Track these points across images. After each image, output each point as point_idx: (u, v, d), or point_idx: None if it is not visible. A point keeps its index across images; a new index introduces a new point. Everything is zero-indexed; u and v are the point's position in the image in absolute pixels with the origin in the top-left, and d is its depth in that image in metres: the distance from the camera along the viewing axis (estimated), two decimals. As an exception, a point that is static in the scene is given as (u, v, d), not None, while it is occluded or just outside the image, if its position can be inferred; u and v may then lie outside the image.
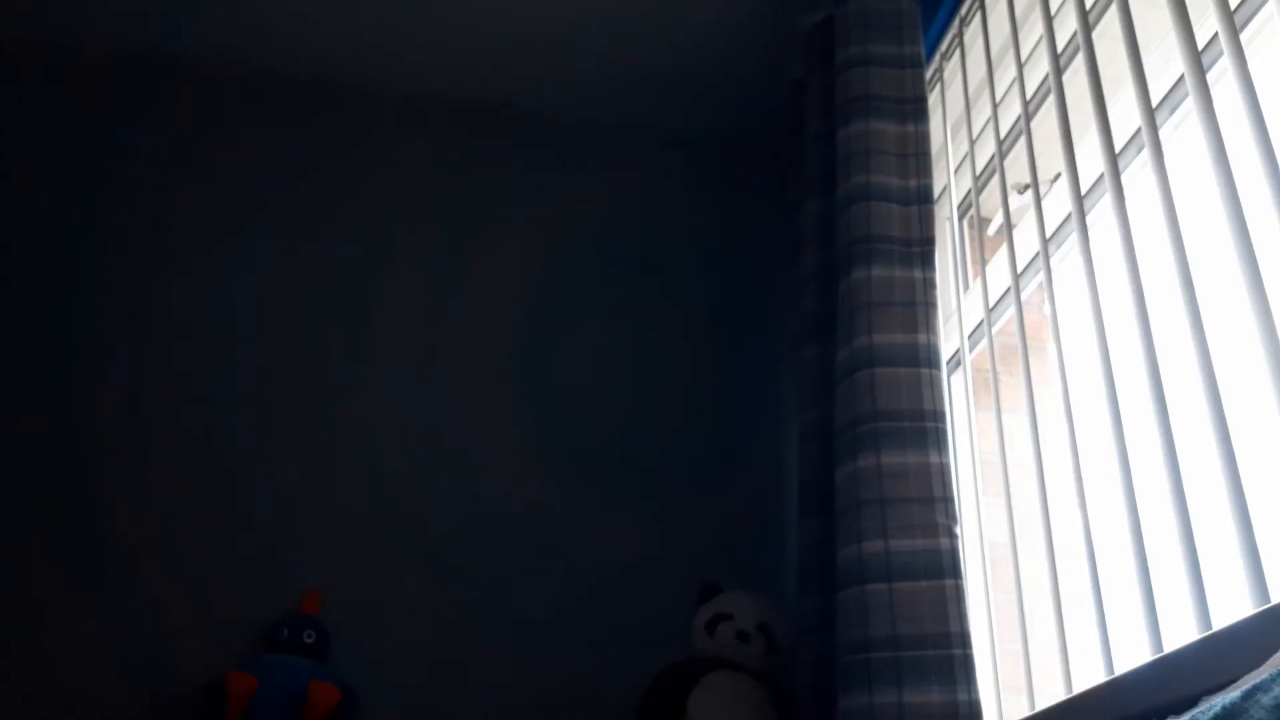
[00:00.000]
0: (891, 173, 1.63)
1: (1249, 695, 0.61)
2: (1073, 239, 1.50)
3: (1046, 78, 1.63)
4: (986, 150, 1.79)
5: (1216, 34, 1.21)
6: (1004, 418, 1.52)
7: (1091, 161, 1.42)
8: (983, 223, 1.73)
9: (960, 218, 1.95)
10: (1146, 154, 1.19)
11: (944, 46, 1.91)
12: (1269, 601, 0.89)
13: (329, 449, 2.14)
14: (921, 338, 1.49)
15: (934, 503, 1.37)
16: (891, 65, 1.73)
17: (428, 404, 2.24)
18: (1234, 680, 0.72)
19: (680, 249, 2.53)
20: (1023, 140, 1.54)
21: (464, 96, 2.57)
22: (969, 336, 1.78)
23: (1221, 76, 1.23)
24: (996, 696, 1.45)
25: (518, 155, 2.57)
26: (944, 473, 1.40)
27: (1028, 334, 1.43)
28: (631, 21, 2.34)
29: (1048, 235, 1.45)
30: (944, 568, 1.33)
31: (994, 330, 1.60)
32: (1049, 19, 1.48)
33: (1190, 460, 1.07)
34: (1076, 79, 1.56)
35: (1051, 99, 1.46)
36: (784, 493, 2.23)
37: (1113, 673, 1.09)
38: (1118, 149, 1.33)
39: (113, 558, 1.96)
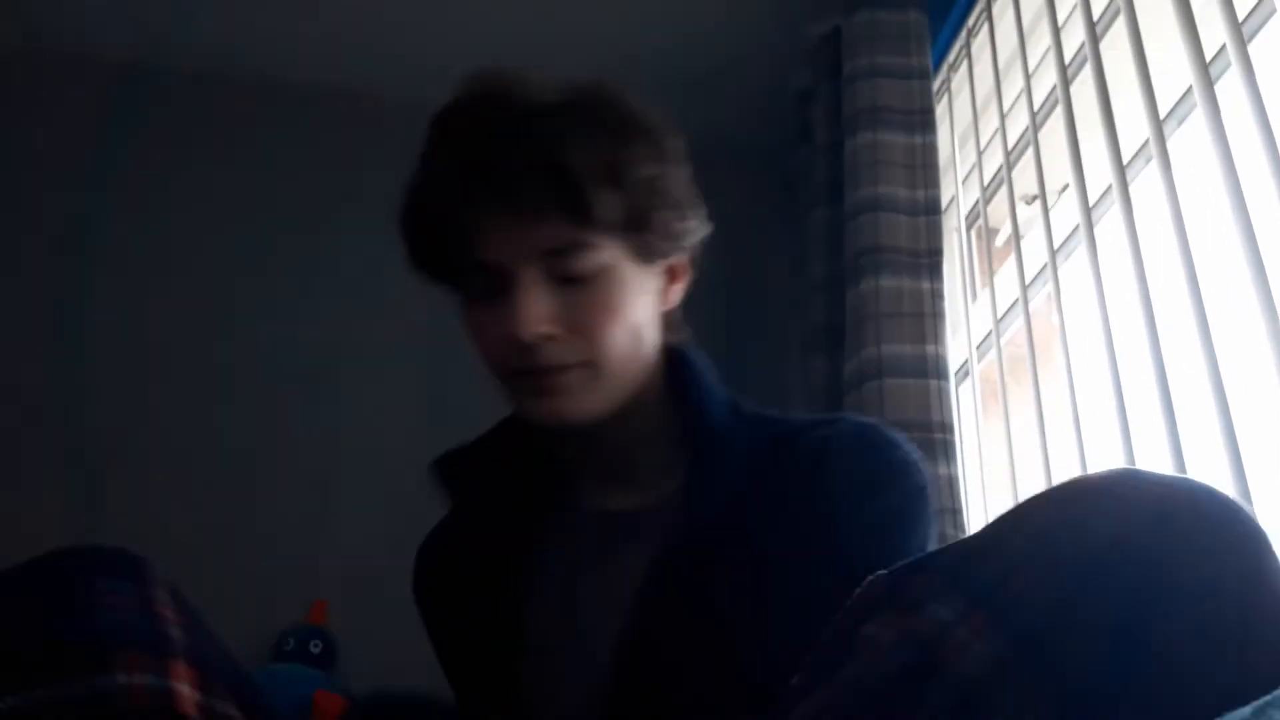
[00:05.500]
0: (899, 184, 1.63)
1: (1260, 711, 0.60)
2: (1081, 250, 1.50)
3: (1054, 88, 1.62)
4: (994, 161, 1.79)
5: (1224, 45, 1.21)
6: (1012, 428, 1.51)
7: (1099, 172, 1.42)
8: (990, 233, 1.73)
9: (968, 229, 1.95)
10: (1154, 165, 1.19)
11: (951, 58, 1.91)
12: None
13: (335, 458, 2.14)
14: (929, 349, 1.49)
15: (941, 514, 1.37)
16: (899, 76, 1.73)
17: (433, 410, 2.23)
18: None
19: (687, 259, 2.52)
20: (1030, 151, 1.54)
21: (472, 107, 2.57)
22: (977, 347, 1.77)
23: (1230, 87, 1.23)
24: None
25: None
26: (951, 484, 1.40)
27: (1036, 345, 1.43)
28: (637, 31, 2.34)
29: (1055, 246, 1.45)
30: (952, 579, 1.32)
31: (1002, 341, 1.59)
32: (1056, 30, 1.48)
33: (1198, 469, 1.07)
34: (1084, 90, 1.56)
35: (1059, 110, 1.46)
36: (791, 503, 2.22)
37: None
38: (1125, 160, 1.33)
39: (120, 567, 1.96)
